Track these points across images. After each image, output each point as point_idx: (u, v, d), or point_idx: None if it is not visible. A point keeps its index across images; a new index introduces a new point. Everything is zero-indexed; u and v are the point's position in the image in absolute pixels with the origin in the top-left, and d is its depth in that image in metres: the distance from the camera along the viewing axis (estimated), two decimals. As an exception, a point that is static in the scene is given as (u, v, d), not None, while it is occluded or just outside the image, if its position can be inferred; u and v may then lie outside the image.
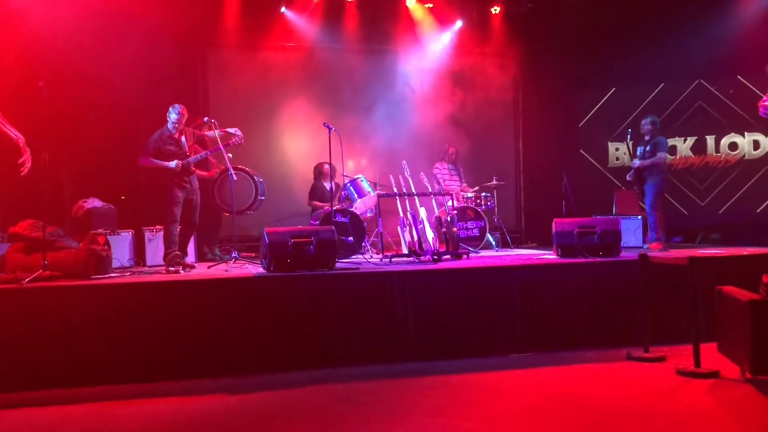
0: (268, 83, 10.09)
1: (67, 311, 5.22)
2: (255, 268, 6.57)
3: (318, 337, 5.61)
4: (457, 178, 9.78)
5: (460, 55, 10.61)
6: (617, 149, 10.86)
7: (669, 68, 10.39)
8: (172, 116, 6.87)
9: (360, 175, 8.83)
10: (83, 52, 7.92)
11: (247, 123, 9.45)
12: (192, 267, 7.04)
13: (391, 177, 8.31)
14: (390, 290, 5.79)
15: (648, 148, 8.16)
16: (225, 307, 5.51)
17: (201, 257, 8.23)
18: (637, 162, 8.17)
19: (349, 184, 8.55)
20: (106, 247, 6.68)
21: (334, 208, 7.96)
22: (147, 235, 7.83)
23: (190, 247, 7.67)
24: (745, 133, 10.30)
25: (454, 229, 7.61)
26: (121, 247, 7.57)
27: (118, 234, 7.68)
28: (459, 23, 10.68)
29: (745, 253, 6.81)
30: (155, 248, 7.68)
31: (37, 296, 5.24)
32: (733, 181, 10.35)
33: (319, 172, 8.90)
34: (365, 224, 8.23)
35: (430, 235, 7.48)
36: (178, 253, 6.84)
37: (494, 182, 9.72)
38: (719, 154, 10.45)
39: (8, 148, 6.02)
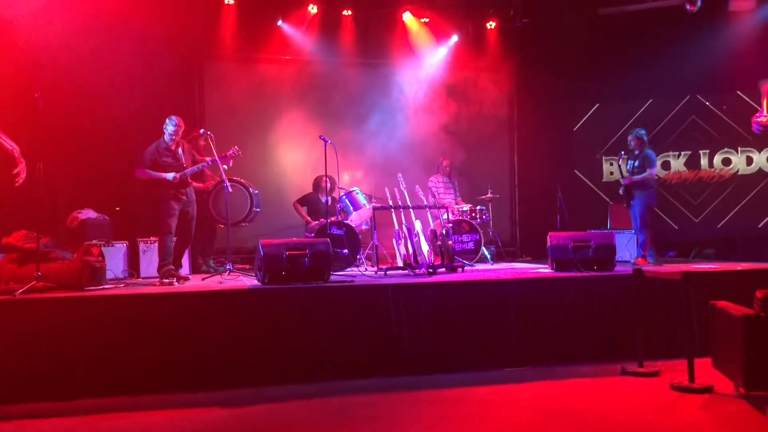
0: (264, 95, 10.11)
1: (61, 323, 5.19)
2: (249, 281, 6.55)
3: (312, 350, 5.59)
4: (452, 191, 9.80)
5: (456, 69, 10.66)
6: (611, 164, 10.91)
7: (662, 83, 10.46)
8: (169, 128, 6.87)
9: (355, 187, 8.84)
10: (79, 63, 7.92)
11: (243, 135, 9.50)
12: (186, 279, 7.02)
13: (386, 189, 8.32)
14: (385, 303, 5.78)
15: (637, 163, 8.16)
16: (219, 320, 5.49)
17: (195, 269, 8.21)
18: (625, 180, 8.18)
19: (344, 197, 8.56)
20: (100, 258, 6.66)
21: (330, 220, 7.96)
22: (141, 246, 7.81)
23: (185, 259, 7.65)
24: (739, 149, 10.36)
25: (450, 242, 7.63)
26: (115, 258, 7.55)
27: (113, 245, 7.66)
28: (455, 38, 10.73)
29: (739, 268, 6.83)
30: (149, 260, 7.66)
31: (30, 308, 5.21)
32: (729, 196, 10.40)
33: (316, 185, 8.91)
34: (360, 237, 8.22)
35: (425, 248, 7.48)
36: (171, 267, 6.81)
37: (489, 195, 9.74)
38: (713, 169, 10.51)
39: (3, 159, 6.02)
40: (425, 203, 8.43)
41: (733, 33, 9.88)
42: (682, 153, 10.67)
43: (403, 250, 7.66)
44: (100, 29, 8.09)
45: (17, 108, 6.45)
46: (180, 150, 6.98)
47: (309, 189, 9.03)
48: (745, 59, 9.54)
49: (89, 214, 7.89)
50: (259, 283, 6.11)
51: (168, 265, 6.77)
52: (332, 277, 6.35)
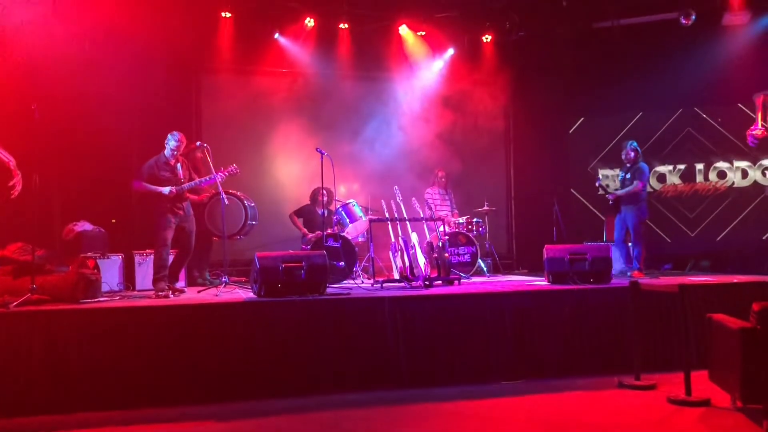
0: (261, 108, 10.13)
1: (55, 335, 5.16)
2: (245, 293, 6.53)
3: (308, 363, 5.57)
4: (448, 204, 9.81)
5: (452, 82, 10.70)
6: (607, 177, 10.94)
7: (657, 96, 10.54)
8: (171, 143, 6.87)
9: (352, 199, 8.85)
10: (76, 74, 7.92)
11: (239, 147, 9.53)
12: (182, 291, 6.99)
13: (382, 202, 8.33)
14: (381, 316, 5.77)
15: (629, 175, 8.18)
16: (215, 333, 5.47)
17: (191, 282, 8.18)
18: (611, 196, 8.17)
19: (340, 209, 8.56)
20: (95, 270, 6.63)
21: (326, 232, 7.95)
22: (137, 259, 7.79)
23: (181, 272, 7.61)
24: (734, 162, 10.40)
25: (446, 254, 7.62)
26: (110, 270, 7.52)
27: (108, 258, 7.63)
28: (451, 51, 10.79)
29: (736, 280, 6.83)
30: (145, 272, 7.63)
31: (25, 320, 5.18)
32: (726, 209, 10.42)
33: (313, 197, 8.91)
34: (357, 249, 8.21)
35: (421, 260, 7.47)
36: (165, 276, 6.78)
37: (485, 208, 9.76)
38: (708, 182, 10.55)
39: (-1, 171, 6.01)
40: (422, 215, 8.43)
41: (727, 47, 9.95)
42: (677, 166, 10.71)
43: (399, 263, 7.65)
44: (97, 41, 8.12)
45: (13, 120, 6.44)
46: (178, 165, 6.98)
47: (305, 201, 9.04)
48: (739, 73, 9.61)
49: (85, 226, 7.87)
50: (255, 296, 6.09)
51: (163, 279, 6.74)
52: (328, 290, 6.34)
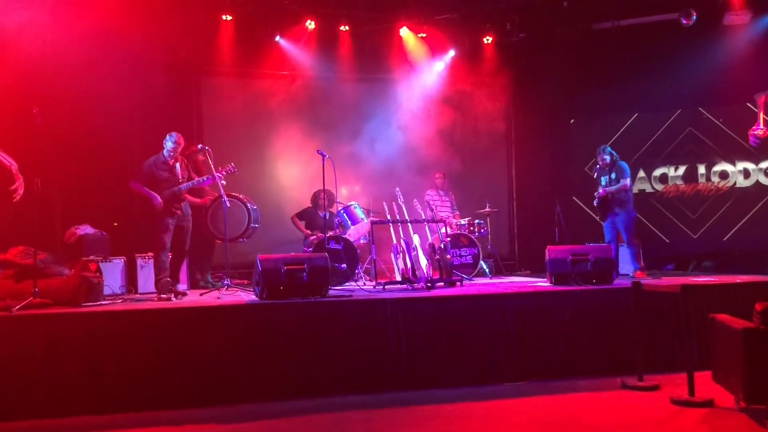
0: (261, 110, 10.15)
1: (57, 339, 5.16)
2: (247, 296, 6.53)
3: (310, 365, 5.56)
4: (448, 205, 9.81)
5: (453, 83, 10.72)
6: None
7: (658, 96, 10.53)
8: (168, 144, 6.88)
9: (353, 201, 8.85)
10: (77, 77, 7.92)
11: (240, 150, 9.53)
12: (184, 294, 7.00)
13: (384, 204, 8.33)
14: (383, 318, 5.76)
15: (613, 175, 8.15)
16: (217, 335, 5.46)
17: (193, 284, 8.18)
18: (601, 191, 8.15)
19: (342, 211, 8.56)
20: (97, 274, 6.63)
21: (328, 235, 7.95)
22: (139, 262, 7.80)
23: (183, 274, 7.63)
24: (736, 162, 10.39)
25: (448, 256, 7.62)
26: (112, 274, 7.53)
27: (110, 261, 7.65)
28: (451, 52, 10.79)
29: (738, 281, 6.82)
30: (147, 275, 7.64)
31: (27, 324, 5.18)
32: (730, 210, 10.39)
33: (315, 200, 8.92)
34: (358, 251, 8.22)
35: (423, 262, 7.47)
36: (168, 279, 6.80)
37: (487, 209, 9.75)
38: (710, 183, 10.53)
39: (0, 175, 6.01)
40: (423, 217, 8.43)
41: (728, 47, 9.94)
42: (679, 166, 10.69)
43: (401, 265, 7.65)
44: (98, 44, 8.11)
45: (14, 124, 6.44)
46: (177, 165, 6.98)
47: (307, 203, 9.04)
48: (740, 73, 9.60)
49: (87, 229, 7.88)
50: (257, 299, 6.09)
51: (165, 281, 6.75)
52: (330, 292, 6.33)
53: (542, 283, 7.22)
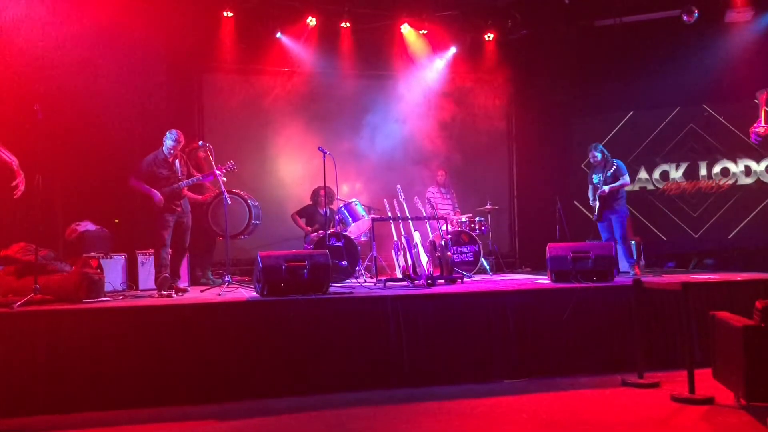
0: (263, 107, 10.15)
1: (58, 335, 5.17)
2: (248, 293, 6.54)
3: (311, 362, 5.57)
4: (450, 203, 9.81)
5: (454, 80, 10.71)
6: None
7: (659, 93, 10.48)
8: (168, 142, 6.88)
9: (354, 198, 8.84)
10: (77, 74, 7.93)
11: (241, 146, 9.54)
12: (185, 291, 6.99)
13: (385, 201, 8.33)
14: (384, 315, 5.77)
15: (609, 173, 8.06)
16: (217, 332, 5.47)
17: (194, 281, 8.18)
18: (601, 191, 8.07)
19: (343, 208, 8.56)
20: (98, 270, 6.66)
21: (328, 231, 7.95)
22: (140, 258, 7.79)
23: (183, 271, 7.62)
24: (737, 159, 10.37)
25: (449, 253, 7.61)
26: (113, 270, 7.53)
27: (111, 257, 7.64)
28: (453, 49, 10.77)
29: (739, 278, 6.82)
30: (148, 272, 7.63)
31: (28, 320, 5.20)
32: (731, 209, 10.37)
33: (315, 196, 8.92)
34: (359, 248, 8.22)
35: (424, 259, 7.47)
36: (167, 276, 6.80)
37: (488, 207, 9.75)
38: (711, 180, 10.52)
39: (2, 171, 6.01)
40: (424, 214, 8.42)
41: (729, 44, 9.92)
42: (681, 163, 10.68)
43: (402, 262, 7.65)
44: (99, 40, 8.11)
45: (16, 120, 6.44)
46: (177, 162, 6.98)
47: (308, 200, 9.04)
48: (742, 70, 9.57)
49: (88, 226, 7.88)
50: (257, 295, 6.09)
51: (165, 278, 6.75)
52: (331, 289, 6.33)
53: (543, 281, 7.22)
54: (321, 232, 8.19)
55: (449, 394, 5.35)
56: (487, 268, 9.15)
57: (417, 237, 7.75)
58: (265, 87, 10.21)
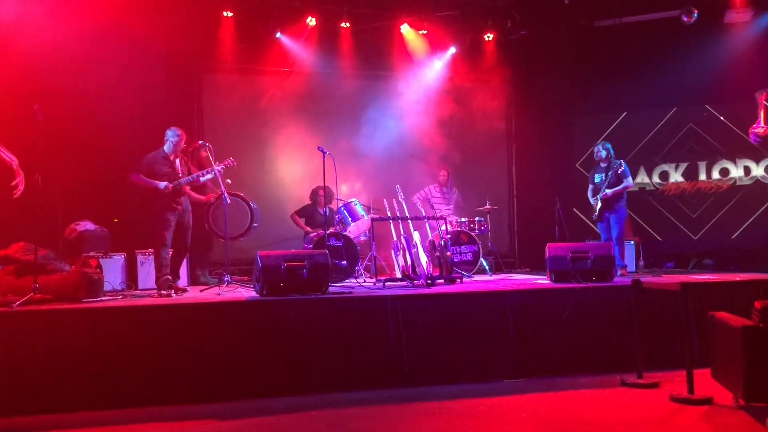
0: (262, 107, 10.15)
1: (58, 335, 5.18)
2: (248, 292, 6.54)
3: (311, 362, 5.58)
4: (450, 202, 9.81)
5: (454, 80, 10.71)
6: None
7: (659, 93, 10.47)
8: (172, 139, 6.89)
9: (354, 198, 8.84)
10: (77, 73, 7.92)
11: (241, 146, 9.53)
12: (184, 291, 7.00)
13: (384, 201, 8.33)
14: (383, 315, 5.77)
15: (611, 174, 8.04)
16: (217, 332, 5.47)
17: (194, 281, 8.18)
18: (604, 194, 8.07)
19: (342, 208, 8.56)
20: (98, 270, 6.65)
21: (328, 231, 7.95)
22: (139, 258, 7.79)
23: (183, 271, 7.63)
24: (737, 159, 10.38)
25: (448, 253, 7.62)
26: (113, 270, 7.53)
27: (111, 257, 7.64)
28: (452, 49, 10.77)
29: (738, 279, 6.83)
30: (148, 271, 7.64)
31: (27, 320, 5.20)
32: (731, 211, 10.37)
33: (314, 196, 8.93)
34: (359, 248, 8.22)
35: (423, 259, 7.47)
36: (168, 277, 6.80)
37: (488, 207, 9.75)
38: (711, 180, 10.52)
39: (1, 171, 6.01)
40: (423, 214, 8.42)
41: (729, 44, 9.93)
42: (680, 164, 10.68)
43: (401, 262, 7.65)
44: (99, 40, 8.10)
45: (15, 119, 6.44)
46: (177, 161, 6.98)
47: (307, 200, 9.04)
48: (741, 70, 9.58)
49: (87, 225, 7.88)
50: (257, 295, 6.09)
51: (165, 276, 6.75)
52: (331, 289, 6.34)
53: (542, 281, 7.22)
54: (320, 231, 8.19)
55: (449, 394, 5.35)
56: (487, 268, 9.15)
57: (416, 237, 7.75)
58: (264, 87, 10.22)
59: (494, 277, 8.72)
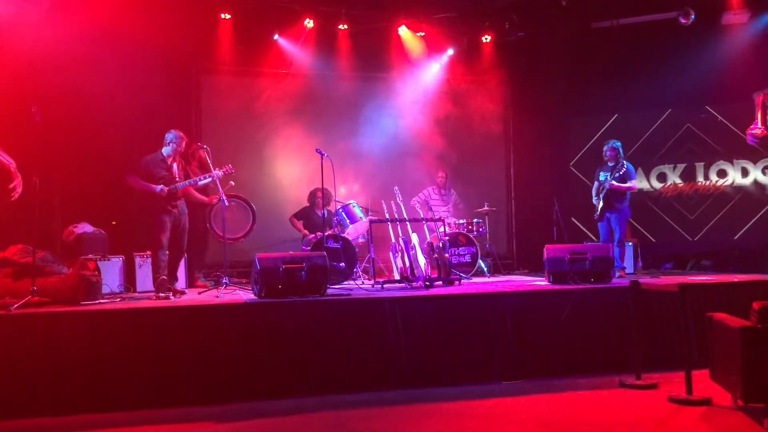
0: (260, 109, 10.14)
1: (56, 337, 5.16)
2: (246, 294, 6.53)
3: (309, 363, 5.57)
4: (448, 204, 9.81)
5: (451, 82, 10.74)
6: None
7: (654, 95, 10.50)
8: (173, 142, 6.87)
9: (352, 200, 8.84)
10: (75, 76, 7.91)
11: (239, 148, 9.53)
12: (182, 293, 6.99)
13: (383, 203, 8.33)
14: (382, 316, 5.77)
15: (617, 175, 7.99)
16: (215, 334, 5.46)
17: (192, 283, 8.17)
18: (610, 185, 7.98)
19: (341, 210, 8.56)
20: (96, 272, 6.63)
21: (326, 233, 7.95)
22: (137, 260, 7.79)
23: (181, 273, 7.62)
24: (734, 160, 10.40)
25: (446, 255, 7.62)
26: (111, 272, 7.53)
27: (109, 259, 7.64)
28: (450, 51, 10.79)
29: (736, 280, 6.84)
30: (146, 274, 7.63)
31: (25, 322, 5.18)
32: (729, 213, 10.38)
33: (312, 198, 8.92)
34: (357, 250, 8.21)
35: (421, 261, 7.47)
36: (165, 278, 6.79)
37: (486, 208, 9.76)
38: (708, 181, 10.54)
39: (-1, 173, 6.01)
40: (422, 216, 8.43)
41: (726, 46, 9.95)
42: (678, 165, 10.70)
43: (399, 263, 7.65)
44: (97, 42, 8.10)
45: (13, 122, 6.43)
46: (175, 164, 6.97)
47: (305, 202, 9.04)
48: (738, 72, 9.60)
49: (85, 228, 7.87)
50: (255, 297, 6.09)
51: (163, 280, 6.74)
52: (329, 291, 6.33)
53: (540, 282, 7.23)
54: (318, 233, 8.19)
55: (448, 395, 5.35)
56: (485, 269, 9.15)
57: (415, 239, 7.75)
58: (262, 88, 10.22)
59: (492, 278, 8.73)
